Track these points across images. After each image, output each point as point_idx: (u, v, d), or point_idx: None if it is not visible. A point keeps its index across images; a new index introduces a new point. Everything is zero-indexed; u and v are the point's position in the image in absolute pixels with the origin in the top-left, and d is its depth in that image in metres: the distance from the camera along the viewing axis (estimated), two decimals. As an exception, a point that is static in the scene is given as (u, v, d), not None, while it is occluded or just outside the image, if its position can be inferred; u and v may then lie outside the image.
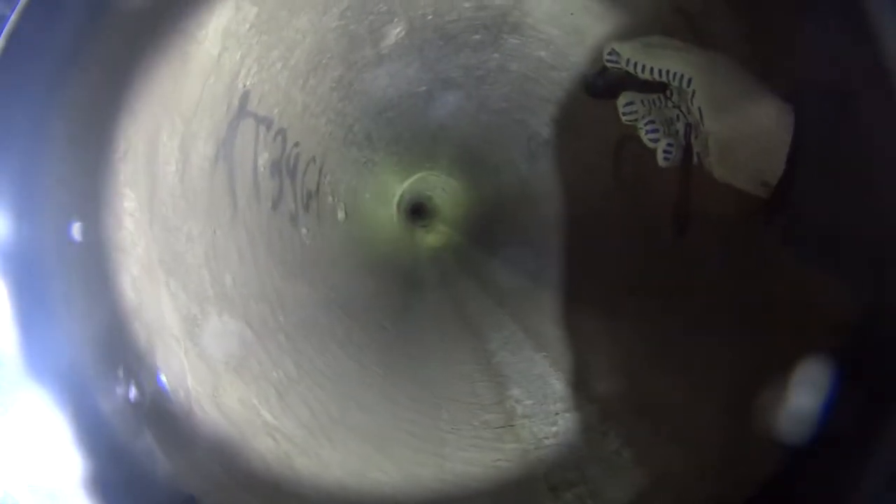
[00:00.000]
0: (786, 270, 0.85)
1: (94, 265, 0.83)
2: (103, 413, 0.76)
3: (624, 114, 0.92)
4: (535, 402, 1.53)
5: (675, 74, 0.82)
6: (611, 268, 1.62)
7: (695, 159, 0.87)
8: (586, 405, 1.44)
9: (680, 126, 0.88)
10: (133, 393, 0.82)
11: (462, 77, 1.82)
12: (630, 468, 1.19)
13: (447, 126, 2.20)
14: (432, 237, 3.18)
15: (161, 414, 0.89)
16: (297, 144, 1.53)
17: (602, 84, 0.96)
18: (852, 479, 0.63)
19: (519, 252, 2.34)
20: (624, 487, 1.17)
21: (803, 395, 0.74)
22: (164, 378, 0.95)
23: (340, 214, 2.07)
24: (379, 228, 2.75)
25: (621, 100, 0.92)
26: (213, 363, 1.06)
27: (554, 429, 1.40)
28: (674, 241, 1.17)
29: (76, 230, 0.78)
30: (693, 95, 0.80)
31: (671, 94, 0.86)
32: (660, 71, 0.83)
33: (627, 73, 0.88)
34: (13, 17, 0.66)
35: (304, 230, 1.66)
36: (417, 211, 3.16)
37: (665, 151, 0.88)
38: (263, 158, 1.35)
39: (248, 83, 1.21)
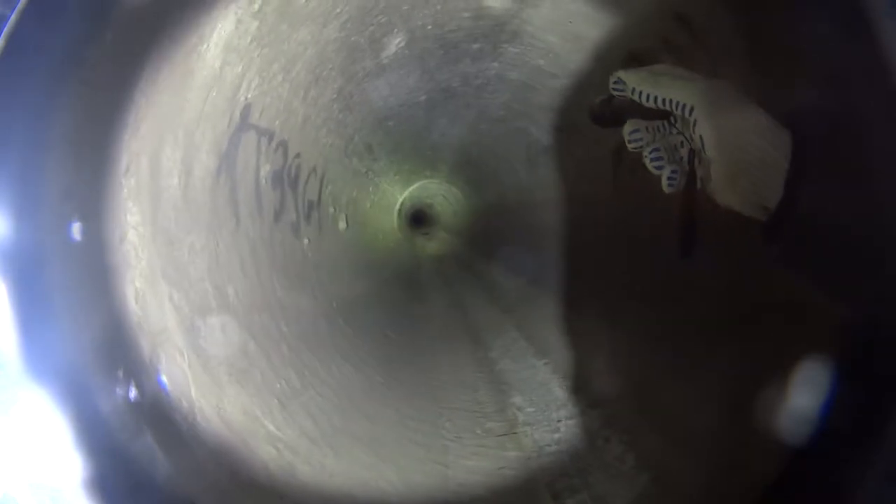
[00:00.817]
0: (785, 278, 0.86)
1: (95, 266, 0.82)
2: (103, 413, 0.76)
3: (630, 141, 0.93)
4: (537, 409, 1.53)
5: (677, 104, 0.83)
6: (611, 274, 1.62)
7: (698, 184, 0.88)
8: (588, 412, 1.44)
9: (684, 152, 0.89)
10: (133, 393, 0.82)
11: (462, 86, 1.83)
12: (633, 474, 1.19)
13: (447, 134, 2.21)
14: (433, 244, 3.18)
15: (161, 415, 0.89)
16: (298, 156, 1.54)
17: (608, 112, 0.97)
18: (853, 479, 0.63)
19: (519, 259, 2.34)
20: (627, 493, 1.17)
21: (804, 396, 0.75)
22: (167, 387, 0.95)
23: (342, 224, 2.07)
24: (380, 237, 2.76)
25: (627, 127, 0.93)
26: (216, 374, 1.07)
27: (556, 436, 1.40)
28: (674, 248, 1.17)
29: (76, 230, 0.77)
30: (695, 124, 0.81)
31: (675, 120, 0.87)
32: (664, 100, 0.84)
33: (632, 100, 0.89)
34: (13, 18, 0.67)
35: (305, 241, 1.67)
36: (418, 219, 3.16)
37: (669, 178, 0.90)
38: (265, 170, 1.36)
39: (249, 96, 1.22)
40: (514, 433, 1.44)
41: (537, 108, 1.82)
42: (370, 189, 2.41)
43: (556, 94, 1.70)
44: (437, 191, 2.96)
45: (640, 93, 0.87)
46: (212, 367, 1.06)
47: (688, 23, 1.12)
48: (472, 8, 1.45)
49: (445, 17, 1.47)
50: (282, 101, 1.36)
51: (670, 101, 0.84)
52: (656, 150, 0.90)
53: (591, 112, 1.00)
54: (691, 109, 0.82)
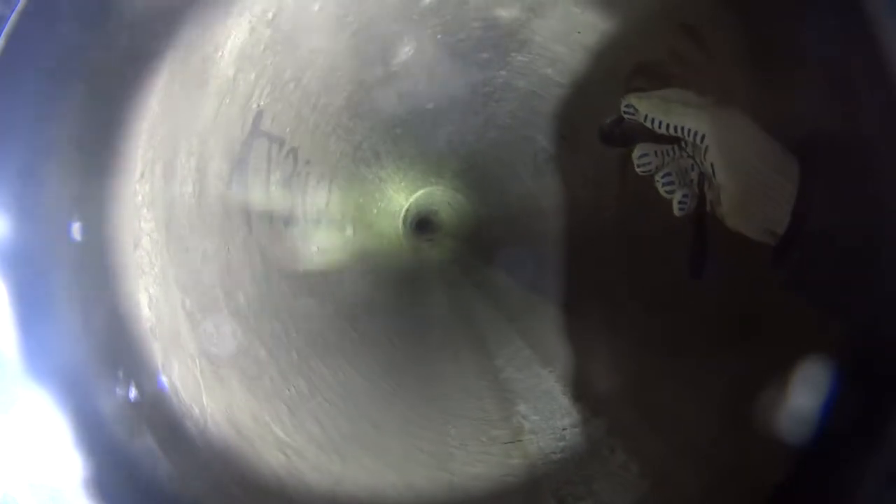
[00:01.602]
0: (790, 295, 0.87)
1: (96, 266, 0.83)
2: (103, 413, 0.77)
3: (639, 165, 0.95)
4: (542, 417, 1.53)
5: (689, 131, 0.85)
6: (615, 282, 1.63)
7: (708, 207, 0.90)
8: (593, 420, 1.44)
9: (694, 175, 0.90)
10: (134, 393, 0.82)
11: (469, 94, 1.84)
12: (638, 482, 1.20)
13: (454, 142, 2.21)
14: (438, 251, 3.17)
15: (163, 416, 0.90)
16: (307, 163, 1.55)
17: (618, 133, 0.98)
18: (853, 480, 0.64)
19: (523, 266, 2.34)
20: (631, 501, 1.17)
21: (804, 398, 0.76)
22: (180, 393, 0.96)
23: (349, 231, 2.08)
24: (386, 244, 2.75)
25: (636, 151, 0.94)
26: (227, 381, 1.07)
27: (561, 444, 1.41)
28: (679, 258, 1.18)
29: (76, 230, 0.78)
30: (706, 151, 0.83)
31: (686, 144, 0.89)
32: (675, 127, 0.86)
33: (643, 124, 0.90)
34: (13, 17, 0.67)
35: (314, 247, 1.67)
36: (423, 225, 3.15)
37: (680, 202, 0.91)
38: (276, 177, 1.37)
39: (261, 103, 1.22)
40: (520, 441, 1.44)
41: (544, 116, 1.82)
42: (376, 196, 2.41)
43: (563, 103, 1.70)
44: (442, 197, 2.95)
45: (653, 119, 0.89)
46: (223, 374, 1.07)
47: (695, 33, 1.13)
48: (482, 17, 1.46)
49: (455, 26, 1.48)
50: (293, 109, 1.37)
51: (682, 128, 0.85)
52: (668, 174, 0.92)
53: (601, 133, 1.01)
54: (703, 137, 0.83)
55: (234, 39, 1.08)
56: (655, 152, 0.93)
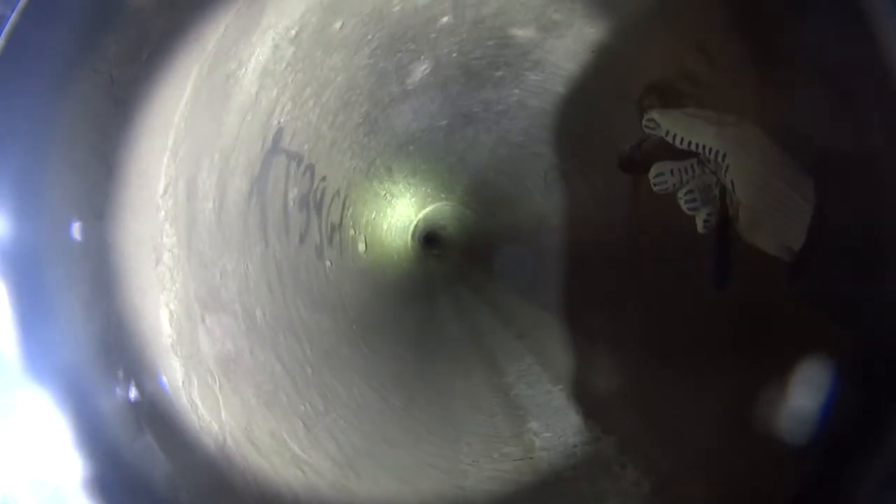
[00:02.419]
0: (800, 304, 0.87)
1: (97, 267, 0.82)
2: (103, 413, 0.77)
3: (655, 185, 0.95)
4: (553, 434, 1.53)
5: (710, 149, 0.86)
6: (626, 298, 1.63)
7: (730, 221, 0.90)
8: (604, 438, 1.44)
9: (717, 191, 0.91)
10: (133, 394, 0.82)
11: (483, 111, 1.85)
12: (650, 498, 1.19)
13: (466, 158, 2.23)
14: (446, 266, 3.19)
15: (161, 414, 0.89)
16: (324, 179, 1.55)
17: (637, 159, 0.98)
18: (853, 480, 0.64)
19: (533, 283, 2.34)
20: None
21: (806, 400, 0.76)
22: (201, 411, 0.96)
23: (361, 246, 2.09)
24: (396, 259, 2.77)
25: (652, 171, 0.95)
26: (245, 397, 1.07)
27: (573, 462, 1.41)
28: (690, 272, 1.18)
29: (76, 230, 0.77)
30: (727, 169, 0.84)
31: (707, 161, 0.89)
32: (696, 144, 0.87)
33: (663, 142, 0.91)
34: (13, 17, 0.67)
35: (328, 263, 1.68)
36: (431, 240, 3.17)
37: (705, 220, 0.91)
38: (293, 193, 1.37)
39: (282, 120, 1.23)
40: (531, 458, 1.44)
41: (556, 134, 1.83)
42: (388, 211, 2.43)
43: (576, 122, 1.71)
44: (451, 213, 2.97)
45: (675, 136, 0.89)
46: (241, 390, 1.07)
47: (705, 51, 1.14)
48: (497, 37, 1.47)
49: (470, 45, 1.49)
50: (311, 126, 1.38)
51: (703, 146, 0.86)
52: (690, 192, 0.92)
53: (620, 160, 1.02)
54: (724, 156, 0.84)
55: (258, 56, 1.08)
56: (672, 171, 0.93)
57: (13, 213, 0.69)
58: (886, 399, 0.63)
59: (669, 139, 0.90)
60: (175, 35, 0.86)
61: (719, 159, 0.85)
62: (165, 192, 0.93)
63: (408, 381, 1.78)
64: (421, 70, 1.54)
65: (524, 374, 1.92)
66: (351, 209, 1.88)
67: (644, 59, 1.30)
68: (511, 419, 1.65)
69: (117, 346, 0.82)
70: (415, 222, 2.96)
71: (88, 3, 0.73)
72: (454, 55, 1.52)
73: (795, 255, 0.80)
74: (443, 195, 2.76)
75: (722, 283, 0.93)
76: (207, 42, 0.95)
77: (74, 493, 0.69)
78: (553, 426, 1.57)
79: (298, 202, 1.42)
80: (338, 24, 1.22)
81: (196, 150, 0.99)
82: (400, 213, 2.65)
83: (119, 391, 0.80)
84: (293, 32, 1.12)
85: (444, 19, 1.37)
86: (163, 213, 0.93)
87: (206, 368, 1.00)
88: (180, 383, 0.94)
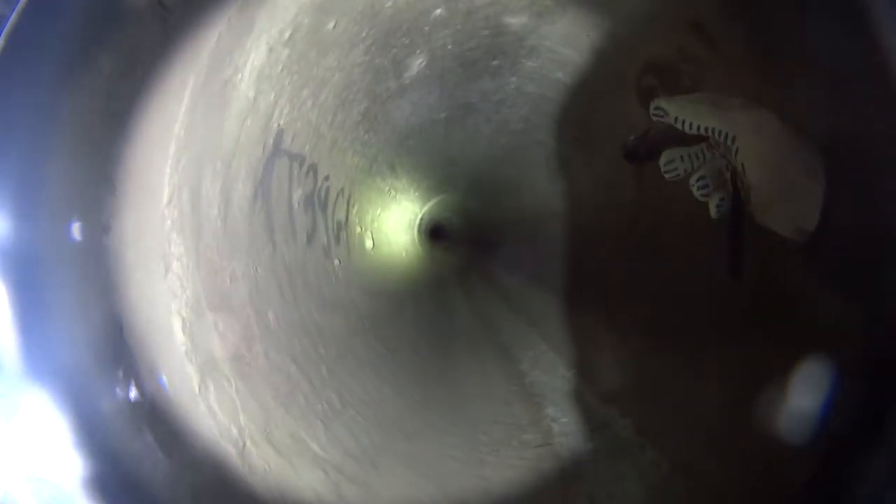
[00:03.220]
0: (805, 285, 0.87)
1: (97, 267, 0.82)
2: (103, 413, 0.77)
3: (666, 172, 0.94)
4: (570, 420, 1.54)
5: (720, 132, 0.85)
6: (637, 281, 1.63)
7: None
8: (621, 420, 1.44)
9: (728, 175, 0.90)
10: (133, 393, 0.82)
11: (481, 101, 1.85)
12: (670, 478, 1.20)
13: (467, 149, 2.22)
14: (454, 258, 3.19)
15: (161, 414, 0.88)
16: (327, 178, 1.56)
17: (642, 149, 0.98)
18: (854, 479, 0.64)
19: (541, 270, 2.34)
20: (665, 498, 1.18)
21: (810, 397, 0.76)
22: (219, 416, 0.97)
23: (368, 243, 2.09)
24: (403, 253, 2.77)
25: (663, 158, 0.94)
26: (263, 399, 1.08)
27: (591, 445, 1.41)
28: (698, 256, 1.18)
29: (76, 230, 0.77)
30: (737, 152, 0.83)
31: (717, 144, 0.89)
32: (706, 128, 0.86)
33: (671, 127, 0.90)
34: (13, 17, 0.67)
35: (336, 261, 1.68)
36: (437, 232, 3.17)
37: (718, 205, 0.91)
38: (297, 195, 1.38)
39: (281, 123, 1.23)
40: (550, 444, 1.44)
41: (556, 120, 1.83)
42: (392, 207, 2.43)
43: (575, 106, 1.70)
44: (456, 205, 2.97)
45: (683, 121, 0.88)
46: (258, 393, 1.08)
47: (702, 31, 1.13)
48: (491, 26, 1.47)
49: (465, 35, 1.49)
50: (311, 126, 1.38)
51: (712, 129, 0.85)
52: (702, 177, 0.91)
53: (626, 151, 1.01)
54: (733, 139, 0.83)
55: (254, 61, 1.09)
56: (682, 157, 0.92)
57: (13, 214, 0.69)
58: (890, 397, 0.64)
59: (678, 125, 0.89)
60: (169, 47, 0.86)
61: (729, 142, 0.84)
62: (170, 201, 0.94)
63: (423, 374, 1.79)
64: (417, 64, 1.54)
65: (538, 360, 1.92)
66: (356, 207, 1.89)
67: (640, 39, 1.30)
68: (528, 406, 1.65)
69: (120, 351, 0.82)
70: (420, 216, 2.96)
71: (88, 5, 0.73)
72: (449, 47, 1.52)
73: (810, 236, 0.80)
74: (446, 187, 2.76)
75: (735, 269, 0.93)
76: (202, 51, 0.95)
77: (74, 493, 0.69)
78: (570, 411, 1.57)
79: (303, 203, 1.42)
80: (331, 24, 1.22)
81: (198, 158, 1.00)
82: (405, 207, 2.65)
83: (120, 392, 0.80)
84: (287, 35, 1.13)
85: (437, 12, 1.37)
86: (169, 222, 0.94)
87: (221, 373, 1.01)
88: (197, 389, 0.95)
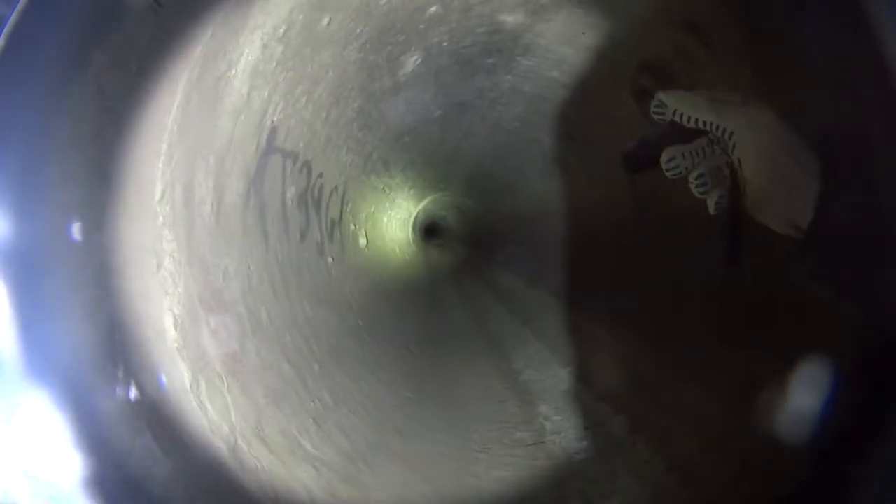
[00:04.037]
0: (803, 285, 0.87)
1: (97, 267, 0.82)
2: (103, 413, 0.77)
3: (668, 169, 0.95)
4: (563, 417, 1.53)
5: (717, 127, 0.86)
6: (631, 279, 1.63)
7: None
8: (614, 417, 1.44)
9: (727, 171, 0.91)
10: (133, 393, 0.82)
11: (476, 99, 1.84)
12: (664, 476, 1.20)
13: (462, 147, 2.22)
14: (448, 256, 3.19)
15: (168, 417, 0.89)
16: (320, 175, 1.55)
17: (642, 154, 0.98)
18: (854, 479, 0.64)
19: (536, 268, 2.34)
20: (658, 496, 1.18)
21: (811, 396, 0.76)
22: (210, 413, 0.96)
23: (362, 241, 2.09)
24: (397, 251, 2.77)
25: (664, 156, 0.95)
26: (254, 397, 1.08)
27: (584, 443, 1.41)
28: (693, 253, 1.19)
29: (76, 230, 0.77)
30: (734, 147, 0.84)
31: (716, 138, 0.89)
32: (704, 122, 0.87)
33: (672, 122, 0.91)
34: (13, 17, 0.66)
35: (329, 259, 1.68)
36: (431, 231, 3.17)
37: (717, 202, 0.91)
38: (291, 192, 1.38)
39: (275, 119, 1.23)
40: (543, 442, 1.44)
41: (551, 118, 1.83)
42: (387, 204, 2.43)
43: (570, 105, 1.70)
44: (450, 203, 2.97)
45: (682, 114, 0.89)
46: (250, 390, 1.07)
47: (697, 29, 1.14)
48: (486, 24, 1.47)
49: (460, 33, 1.49)
50: (305, 123, 1.38)
51: (710, 123, 0.86)
52: (701, 175, 0.92)
53: (625, 160, 1.02)
54: (731, 134, 0.84)
55: (248, 57, 1.08)
56: (683, 154, 0.93)
57: (13, 214, 0.69)
58: (889, 396, 0.64)
59: (677, 118, 0.90)
60: (163, 42, 0.86)
61: (726, 136, 0.85)
62: (162, 197, 0.93)
63: (416, 372, 1.78)
64: (412, 62, 1.53)
65: (532, 359, 1.92)
66: (350, 204, 1.88)
67: (635, 37, 1.30)
68: (521, 404, 1.65)
69: (119, 350, 0.82)
70: (415, 214, 2.95)
71: (87, 5, 0.72)
72: (444, 44, 1.51)
73: (804, 233, 0.80)
74: (441, 186, 2.76)
75: (734, 261, 0.93)
76: (196, 47, 0.95)
77: (73, 493, 0.69)
78: (563, 409, 1.57)
79: (297, 200, 1.42)
80: (325, 21, 1.22)
81: (191, 154, 0.99)
82: (399, 205, 2.65)
83: (120, 392, 0.80)
84: (281, 31, 1.12)
85: (433, 9, 1.37)
86: (161, 218, 0.93)
87: (213, 370, 1.01)
88: (188, 386, 0.94)
